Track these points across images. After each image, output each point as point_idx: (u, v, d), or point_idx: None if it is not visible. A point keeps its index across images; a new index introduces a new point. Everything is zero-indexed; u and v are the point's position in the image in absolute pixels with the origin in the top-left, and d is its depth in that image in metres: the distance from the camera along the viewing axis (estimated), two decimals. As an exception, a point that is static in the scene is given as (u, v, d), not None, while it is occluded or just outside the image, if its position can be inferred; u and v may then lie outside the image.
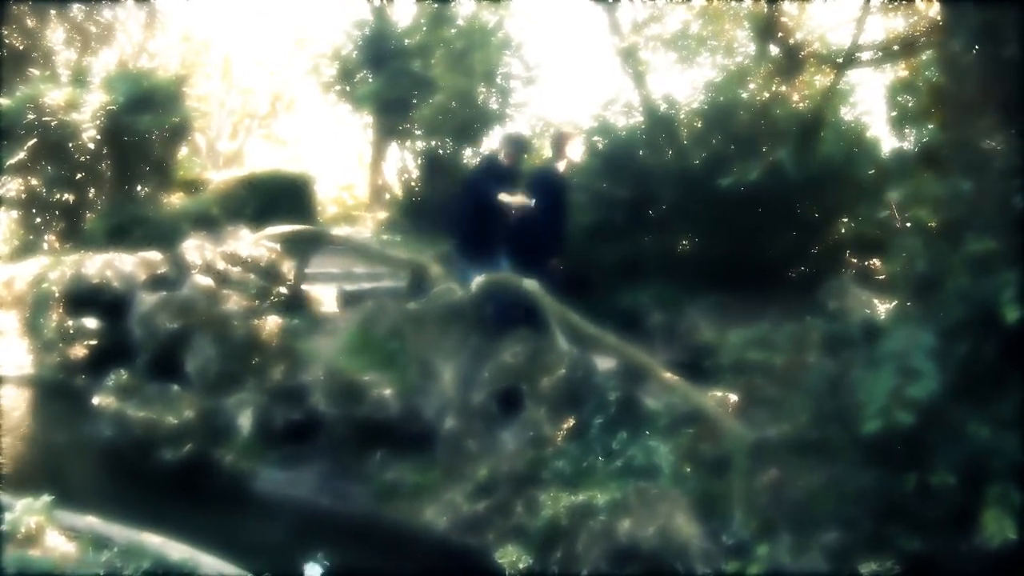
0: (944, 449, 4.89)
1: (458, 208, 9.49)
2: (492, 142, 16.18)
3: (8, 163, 13.82)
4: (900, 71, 11.89)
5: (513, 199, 8.74)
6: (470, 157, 16.67)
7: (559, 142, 9.39)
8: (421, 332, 7.69)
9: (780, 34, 12.01)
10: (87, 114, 14.23)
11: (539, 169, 10.17)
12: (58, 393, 9.87)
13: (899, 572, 4.82)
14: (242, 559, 5.38)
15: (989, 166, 5.66)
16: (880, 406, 4.82)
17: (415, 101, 17.40)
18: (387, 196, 19.84)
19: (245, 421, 7.97)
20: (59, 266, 11.01)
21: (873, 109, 12.33)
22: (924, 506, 4.94)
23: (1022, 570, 4.74)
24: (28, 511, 5.33)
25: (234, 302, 9.14)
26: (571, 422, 6.91)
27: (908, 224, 6.69)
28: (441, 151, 16.99)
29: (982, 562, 4.81)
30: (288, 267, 10.57)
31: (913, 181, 6.72)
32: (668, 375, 6.91)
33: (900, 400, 4.79)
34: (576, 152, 9.41)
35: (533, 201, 8.88)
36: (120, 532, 5.57)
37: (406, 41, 18.09)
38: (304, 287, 10.77)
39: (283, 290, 10.29)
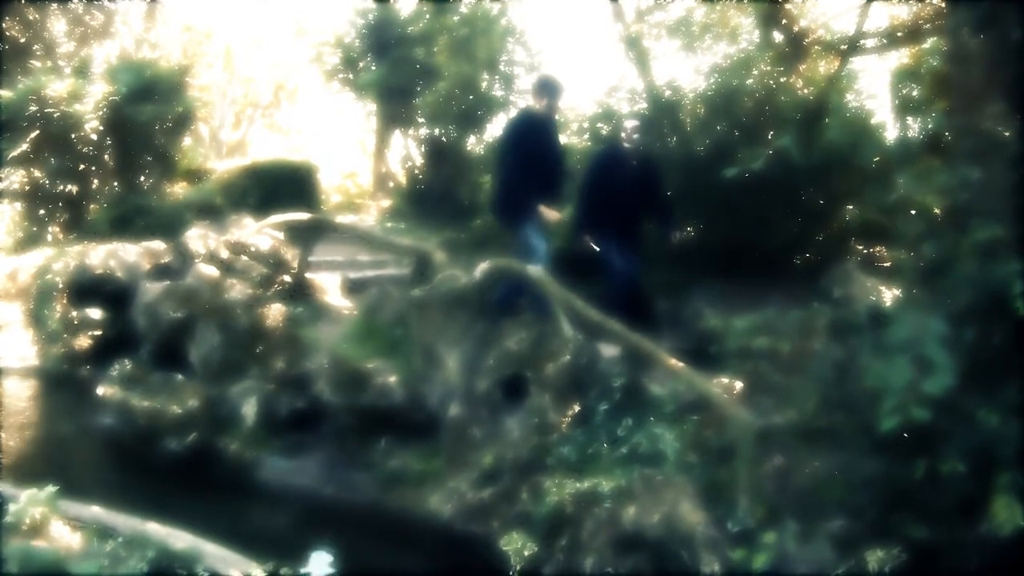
0: (953, 437, 4.88)
1: (500, 173, 9.29)
2: (496, 129, 16.15)
3: (11, 155, 13.83)
4: (904, 58, 11.86)
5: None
6: (473, 144, 16.64)
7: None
8: (425, 319, 7.67)
9: (784, 21, 11.98)
10: (89, 105, 14.25)
11: (599, 148, 10.74)
12: (62, 384, 9.88)
13: (905, 560, 4.80)
14: (246, 548, 5.37)
15: (995, 153, 5.63)
16: (896, 403, 4.80)
17: (418, 89, 17.38)
18: (391, 184, 19.84)
19: (249, 410, 7.96)
20: (63, 257, 11.00)
21: (878, 96, 12.31)
22: (932, 494, 4.92)
23: (1029, 559, 4.73)
24: (32, 502, 5.32)
25: (238, 291, 9.12)
26: (576, 409, 6.90)
27: (914, 211, 6.67)
28: (444, 138, 16.97)
29: (988, 551, 4.80)
30: (292, 255, 10.57)
31: (919, 168, 6.70)
32: (673, 362, 6.88)
33: (915, 396, 4.76)
34: (633, 138, 9.41)
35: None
36: (124, 522, 5.57)
37: (409, 29, 18.07)
38: (308, 275, 10.76)
39: (287, 278, 10.29)
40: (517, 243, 8.76)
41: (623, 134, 9.55)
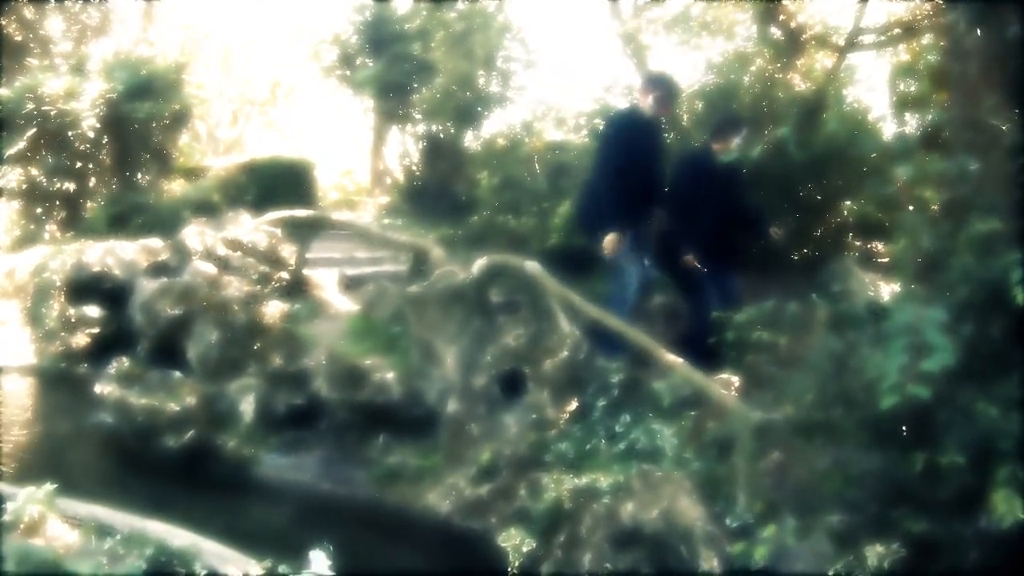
0: (952, 430, 4.86)
1: (592, 177, 8.44)
2: (492, 125, 16.13)
3: (8, 153, 13.82)
4: (902, 55, 11.85)
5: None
6: (471, 141, 16.63)
7: (721, 128, 8.68)
8: (423, 315, 7.66)
9: (781, 17, 11.97)
10: (86, 103, 14.23)
11: (688, 151, 9.56)
12: (60, 382, 9.87)
13: (904, 555, 4.79)
14: (245, 545, 5.35)
15: (993, 146, 5.63)
16: (894, 381, 4.77)
17: (415, 85, 17.38)
18: (388, 181, 19.84)
19: (247, 407, 7.94)
20: (60, 255, 10.98)
21: (875, 91, 12.32)
22: (931, 488, 4.91)
23: (1028, 553, 4.71)
24: (30, 500, 5.30)
25: (235, 288, 9.12)
26: (574, 405, 6.90)
27: (912, 205, 6.66)
28: (442, 135, 16.97)
29: (988, 545, 4.79)
30: (289, 252, 10.55)
31: (917, 160, 6.69)
32: (671, 357, 6.87)
33: (915, 375, 4.74)
34: (733, 138, 8.53)
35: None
36: (123, 520, 5.55)
37: (406, 25, 18.05)
38: (305, 272, 10.75)
39: (284, 275, 10.27)
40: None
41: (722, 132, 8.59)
